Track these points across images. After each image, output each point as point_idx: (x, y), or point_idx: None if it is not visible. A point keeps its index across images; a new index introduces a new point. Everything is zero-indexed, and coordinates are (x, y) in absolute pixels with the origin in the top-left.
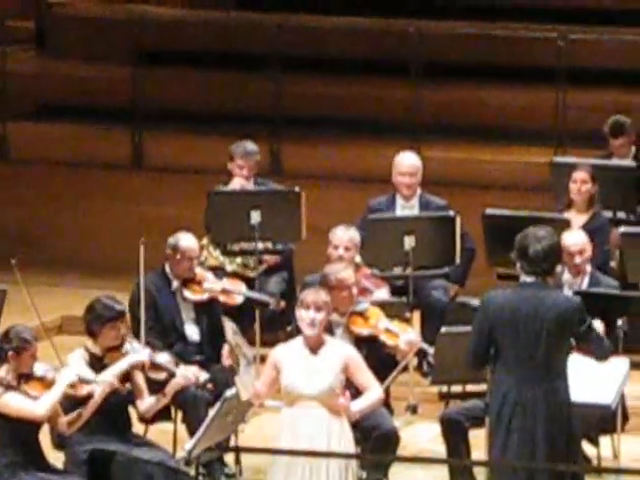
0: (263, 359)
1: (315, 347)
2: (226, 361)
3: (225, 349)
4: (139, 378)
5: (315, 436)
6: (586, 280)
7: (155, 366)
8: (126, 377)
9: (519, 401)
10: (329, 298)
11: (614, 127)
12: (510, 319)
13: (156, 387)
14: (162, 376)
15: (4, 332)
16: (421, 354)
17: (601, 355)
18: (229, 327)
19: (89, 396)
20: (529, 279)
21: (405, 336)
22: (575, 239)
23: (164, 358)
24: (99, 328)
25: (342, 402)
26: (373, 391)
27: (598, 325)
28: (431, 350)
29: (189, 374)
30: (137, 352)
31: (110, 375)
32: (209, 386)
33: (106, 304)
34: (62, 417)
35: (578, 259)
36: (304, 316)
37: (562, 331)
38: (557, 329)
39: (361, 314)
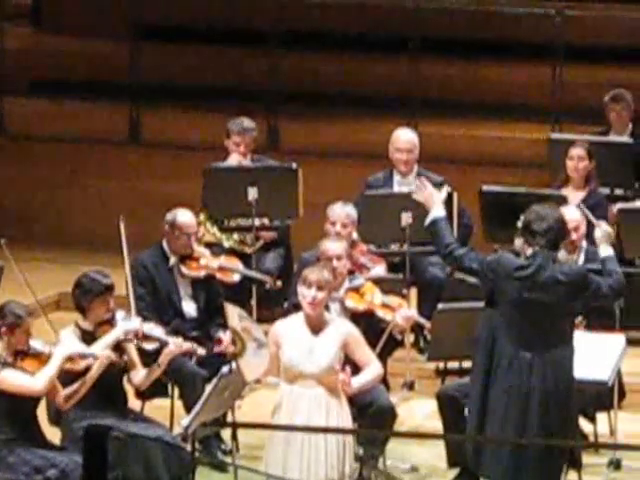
0: None
1: (316, 325)
2: (229, 348)
3: (227, 336)
4: (131, 350)
5: (313, 414)
6: (582, 256)
7: (146, 336)
8: (121, 351)
9: (518, 360)
10: (331, 277)
11: (615, 94)
12: (518, 285)
13: (148, 360)
14: (154, 346)
15: None
16: (418, 328)
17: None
18: (234, 313)
19: (86, 370)
20: (534, 251)
21: (402, 310)
22: (570, 215)
23: (155, 328)
24: (88, 303)
25: (342, 377)
26: (372, 367)
27: (605, 228)
28: (428, 324)
29: (182, 342)
30: (128, 322)
31: (103, 345)
32: (201, 352)
33: (94, 278)
34: (61, 391)
35: (574, 235)
36: (306, 294)
37: (571, 298)
38: (566, 297)
39: (357, 290)
